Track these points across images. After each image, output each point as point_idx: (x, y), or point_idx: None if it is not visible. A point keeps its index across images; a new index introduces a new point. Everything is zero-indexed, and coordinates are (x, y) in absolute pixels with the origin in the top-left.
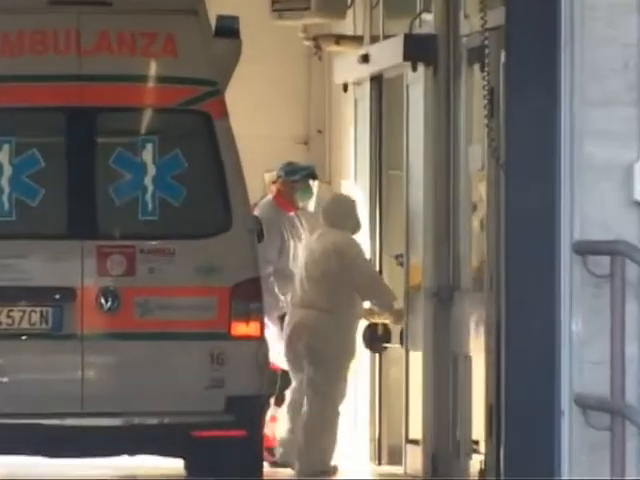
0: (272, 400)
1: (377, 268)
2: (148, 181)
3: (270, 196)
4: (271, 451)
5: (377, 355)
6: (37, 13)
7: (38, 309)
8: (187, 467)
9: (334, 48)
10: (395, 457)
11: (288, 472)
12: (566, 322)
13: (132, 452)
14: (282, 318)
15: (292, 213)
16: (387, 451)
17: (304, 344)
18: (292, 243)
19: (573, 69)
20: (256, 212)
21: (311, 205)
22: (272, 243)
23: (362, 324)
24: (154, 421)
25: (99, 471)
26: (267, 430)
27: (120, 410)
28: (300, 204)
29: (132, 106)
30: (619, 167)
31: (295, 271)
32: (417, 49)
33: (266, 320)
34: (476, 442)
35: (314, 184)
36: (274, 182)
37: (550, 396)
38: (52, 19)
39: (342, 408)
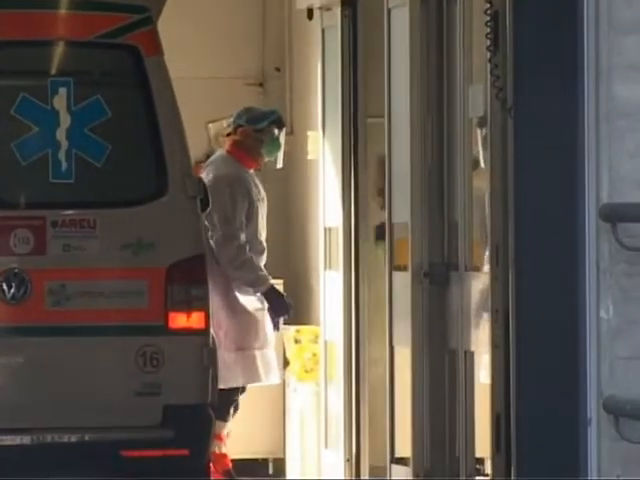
0: (231, 412)
1: (352, 242)
2: (61, 134)
3: (223, 151)
4: (229, 472)
5: (353, 353)
6: None
7: None
8: None
9: None
10: None
11: None
12: (592, 308)
13: (44, 477)
14: (270, 294)
15: (252, 170)
16: (368, 473)
17: None
18: (258, 208)
19: None
20: (209, 171)
21: (279, 160)
22: (240, 208)
23: None
24: (72, 439)
25: None
26: (223, 448)
27: (28, 425)
28: (266, 159)
29: (39, 39)
30: None
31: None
32: None
33: (253, 299)
34: (480, 460)
35: (280, 133)
36: (229, 134)
37: (573, 401)
38: None
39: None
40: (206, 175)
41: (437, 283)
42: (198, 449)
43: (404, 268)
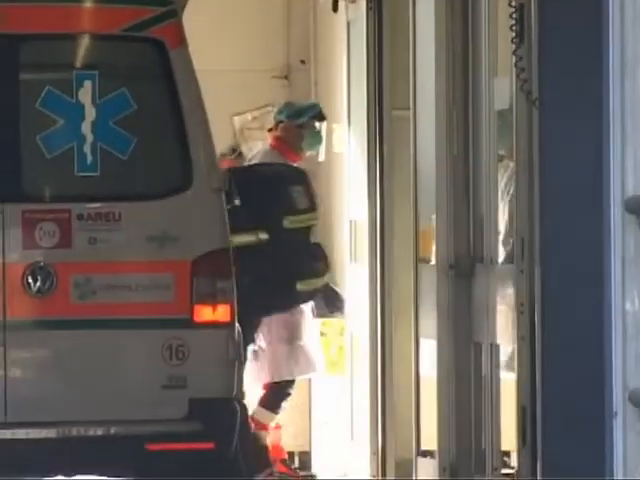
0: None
1: (378, 235)
2: (86, 128)
3: (267, 145)
4: (284, 462)
5: (380, 347)
6: None
7: None
8: None
9: None
10: (404, 473)
11: None
12: (618, 300)
13: (69, 471)
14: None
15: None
16: (393, 466)
17: None
18: None
19: None
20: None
21: (321, 153)
22: None
23: None
24: (97, 432)
25: None
26: (275, 438)
27: (54, 419)
28: (308, 153)
29: (65, 33)
30: None
31: None
32: None
33: None
34: (506, 453)
35: (322, 127)
36: (270, 129)
37: (598, 394)
38: None
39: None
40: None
41: (463, 276)
42: (224, 442)
43: (430, 260)
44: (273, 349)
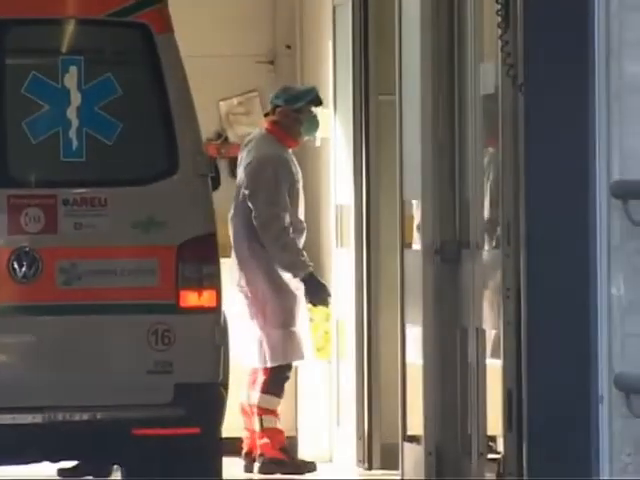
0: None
1: (364, 219)
2: (72, 113)
3: (262, 130)
4: (284, 448)
5: (365, 332)
6: None
7: None
8: (126, 474)
9: None
10: (390, 459)
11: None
12: (603, 285)
13: (55, 457)
14: (309, 280)
15: (291, 150)
16: (379, 452)
17: None
18: (299, 188)
19: None
20: (250, 151)
21: (318, 139)
22: (283, 188)
23: None
24: (83, 417)
25: None
26: (278, 424)
27: (40, 404)
28: (306, 138)
29: (50, 18)
30: None
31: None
32: None
33: (292, 286)
34: (492, 438)
35: (318, 111)
36: (266, 114)
37: (584, 378)
38: None
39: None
40: (247, 155)
41: (448, 261)
42: (209, 427)
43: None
44: (267, 334)
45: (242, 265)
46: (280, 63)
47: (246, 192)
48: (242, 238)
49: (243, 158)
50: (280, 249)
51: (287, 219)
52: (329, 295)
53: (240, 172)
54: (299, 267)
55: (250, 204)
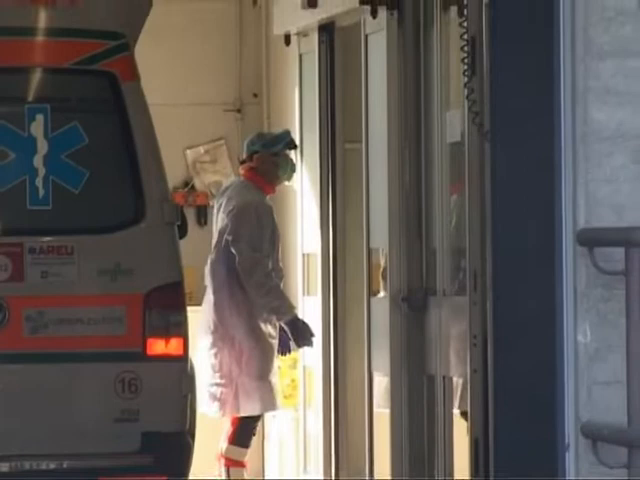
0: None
1: (331, 268)
2: (38, 161)
3: (240, 178)
4: None
5: (332, 378)
6: None
7: None
8: None
9: None
10: None
11: None
12: (570, 332)
13: None
14: (295, 322)
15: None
16: None
17: None
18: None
19: (575, 11)
20: (230, 198)
21: (296, 183)
22: (266, 235)
23: None
24: (51, 466)
25: None
26: (245, 474)
27: (6, 452)
28: (284, 182)
29: (16, 66)
30: (634, 134)
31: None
32: None
33: (269, 327)
34: None
35: (292, 155)
36: (242, 162)
37: (551, 426)
38: None
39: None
40: (227, 202)
41: (415, 308)
42: (176, 475)
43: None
44: (241, 383)
45: (221, 312)
46: (247, 111)
47: (229, 238)
48: (224, 284)
49: (223, 204)
50: (265, 294)
51: (270, 265)
52: (313, 335)
53: (221, 219)
54: (285, 310)
55: (233, 250)
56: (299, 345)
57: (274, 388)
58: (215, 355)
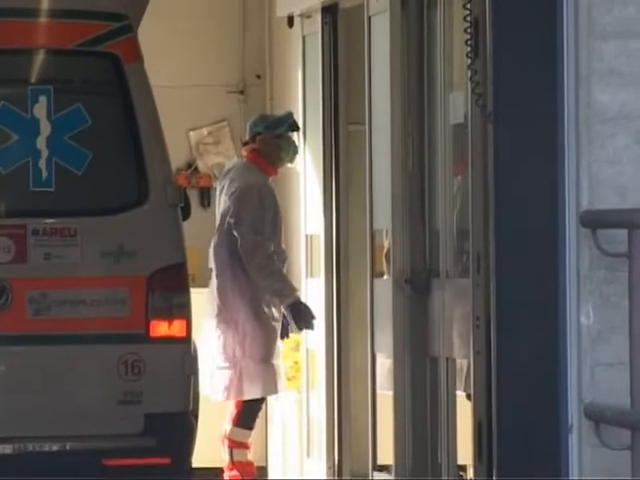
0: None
1: (334, 249)
2: (41, 143)
3: (243, 160)
4: None
5: (336, 362)
6: None
7: None
8: None
9: None
10: None
11: None
12: (573, 314)
13: None
14: (297, 305)
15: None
16: None
17: None
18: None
19: None
20: (233, 180)
21: (299, 164)
22: (267, 217)
23: None
24: (53, 448)
25: None
26: (249, 456)
27: (10, 434)
28: (286, 164)
29: (19, 47)
30: (637, 115)
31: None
32: None
33: (273, 310)
34: (462, 467)
35: (295, 136)
36: (245, 143)
37: (554, 408)
38: None
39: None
40: (230, 184)
41: (418, 290)
42: (180, 457)
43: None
44: (245, 366)
45: (224, 295)
46: (250, 93)
47: (231, 221)
48: (226, 267)
49: (225, 186)
50: (267, 276)
51: (272, 247)
52: (314, 318)
53: (223, 201)
54: (287, 293)
55: (235, 233)
56: (300, 328)
57: (277, 371)
58: (219, 338)
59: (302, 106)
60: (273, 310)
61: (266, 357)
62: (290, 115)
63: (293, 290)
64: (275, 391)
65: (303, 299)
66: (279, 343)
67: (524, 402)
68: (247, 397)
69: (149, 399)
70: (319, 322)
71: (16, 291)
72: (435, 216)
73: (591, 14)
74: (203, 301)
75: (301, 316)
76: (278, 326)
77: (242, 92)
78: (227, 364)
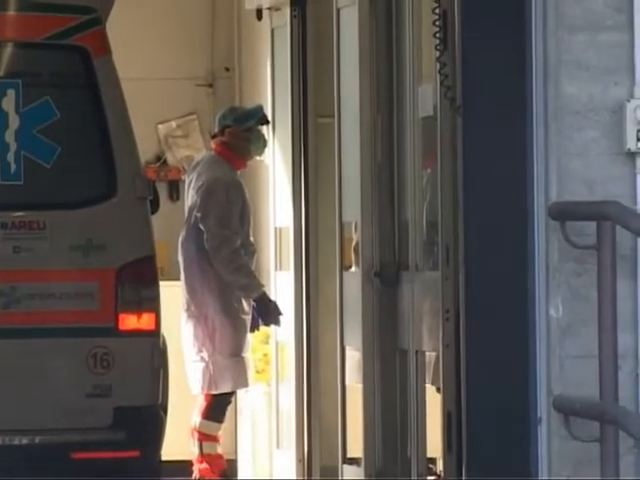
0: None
1: (303, 242)
2: (10, 136)
3: (211, 153)
4: (224, 473)
5: (305, 354)
6: None
7: None
8: None
9: None
10: None
11: None
12: (542, 307)
13: None
14: (262, 300)
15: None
16: (319, 474)
17: None
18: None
19: None
20: (201, 174)
21: (268, 157)
22: (235, 211)
23: None
24: (23, 441)
25: None
26: (218, 449)
27: None
28: (255, 157)
29: None
30: (605, 108)
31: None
32: None
33: (245, 306)
34: (432, 460)
35: (264, 130)
36: (214, 136)
37: (523, 400)
38: None
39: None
40: (197, 178)
41: (387, 283)
42: (149, 450)
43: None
44: (214, 360)
45: (192, 290)
46: (219, 86)
47: (198, 215)
48: (194, 262)
49: (193, 180)
50: (233, 271)
51: (239, 241)
52: (281, 314)
53: (191, 195)
54: (252, 289)
55: (202, 227)
56: (266, 324)
57: (247, 364)
58: (189, 332)
59: (271, 98)
60: (243, 303)
61: (236, 351)
62: (260, 108)
63: (259, 285)
64: (245, 384)
65: (272, 292)
66: (249, 336)
67: (493, 395)
68: (219, 391)
69: (118, 392)
70: (289, 315)
71: None
72: (404, 209)
73: (559, 7)
74: (172, 294)
75: (267, 312)
76: (248, 319)
77: (211, 85)
78: (198, 357)
